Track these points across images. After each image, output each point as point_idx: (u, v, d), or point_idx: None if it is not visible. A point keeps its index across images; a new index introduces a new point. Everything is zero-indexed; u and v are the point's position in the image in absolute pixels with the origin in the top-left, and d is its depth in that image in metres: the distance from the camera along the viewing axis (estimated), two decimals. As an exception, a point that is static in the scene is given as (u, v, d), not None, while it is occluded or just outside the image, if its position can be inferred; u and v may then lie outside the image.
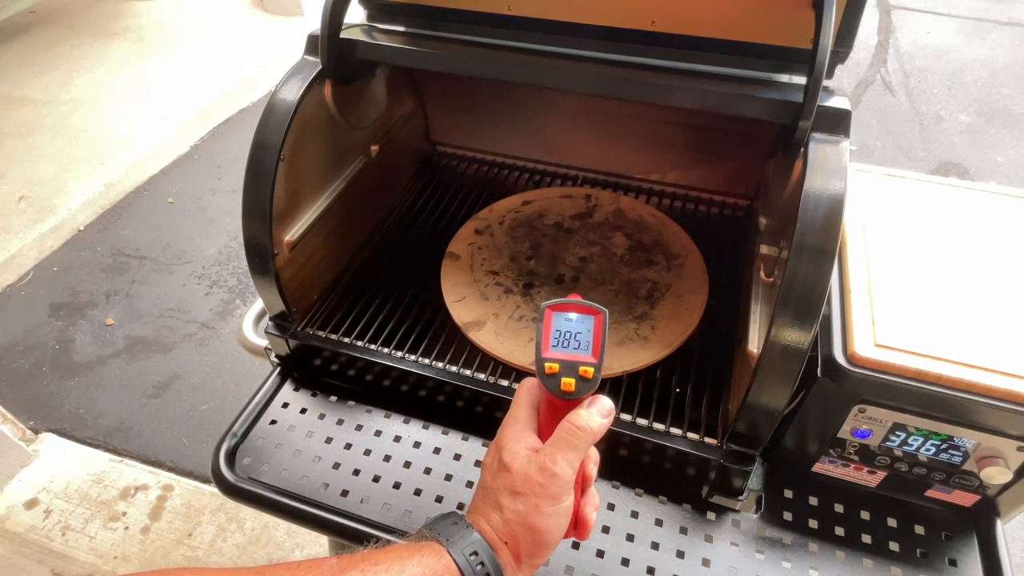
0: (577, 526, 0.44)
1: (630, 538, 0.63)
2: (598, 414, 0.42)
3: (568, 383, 0.41)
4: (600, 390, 0.44)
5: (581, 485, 0.44)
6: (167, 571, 0.33)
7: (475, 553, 0.39)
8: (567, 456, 0.40)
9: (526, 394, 0.46)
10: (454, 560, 0.39)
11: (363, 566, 0.37)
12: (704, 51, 0.68)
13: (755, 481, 0.67)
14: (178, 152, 2.61)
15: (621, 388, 0.72)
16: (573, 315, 0.43)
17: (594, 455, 0.45)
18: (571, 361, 0.42)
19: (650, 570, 0.61)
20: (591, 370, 0.42)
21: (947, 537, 0.63)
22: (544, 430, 0.44)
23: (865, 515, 0.64)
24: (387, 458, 0.70)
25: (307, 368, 0.79)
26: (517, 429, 0.44)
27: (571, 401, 0.42)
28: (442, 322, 0.81)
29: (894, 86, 2.92)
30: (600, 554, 0.62)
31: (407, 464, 0.70)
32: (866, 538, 0.63)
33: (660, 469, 0.67)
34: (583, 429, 0.41)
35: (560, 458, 0.40)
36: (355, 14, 0.76)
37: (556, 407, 0.43)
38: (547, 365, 0.42)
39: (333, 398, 0.77)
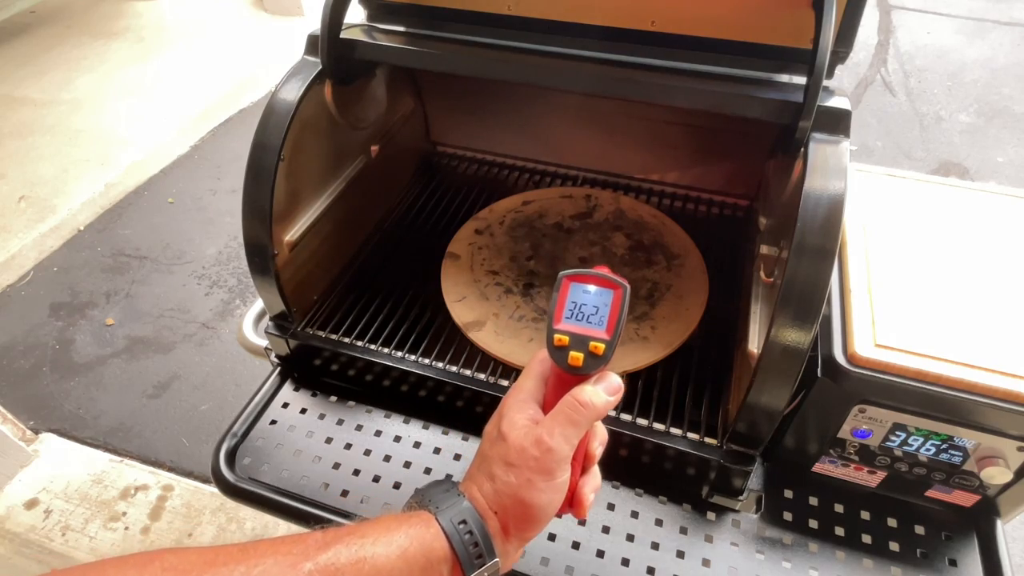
0: (573, 504, 0.42)
1: (630, 538, 0.63)
2: (604, 391, 0.41)
3: (576, 357, 0.40)
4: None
5: (582, 464, 0.43)
6: (148, 553, 0.32)
7: (464, 521, 0.38)
8: (566, 431, 0.39)
9: (537, 364, 0.44)
10: (442, 527, 0.38)
11: (349, 539, 0.36)
12: (704, 51, 0.68)
13: (755, 481, 0.67)
14: (178, 152, 2.60)
15: (621, 388, 0.72)
16: (592, 287, 0.41)
17: (601, 434, 0.43)
18: (582, 335, 0.40)
19: (650, 570, 0.61)
20: (602, 346, 0.40)
21: (947, 537, 0.63)
22: (549, 403, 0.42)
23: (865, 515, 0.64)
24: (387, 458, 0.70)
25: (307, 368, 0.79)
26: (521, 398, 0.42)
27: (578, 376, 0.41)
28: (442, 322, 0.81)
29: (894, 86, 2.92)
30: (600, 554, 0.62)
31: (407, 464, 0.70)
32: (866, 538, 0.63)
33: (660, 469, 0.67)
34: (586, 405, 0.39)
35: (558, 432, 0.39)
36: (355, 14, 0.76)
37: (563, 381, 0.42)
38: (556, 337, 0.40)
39: (333, 398, 0.77)
